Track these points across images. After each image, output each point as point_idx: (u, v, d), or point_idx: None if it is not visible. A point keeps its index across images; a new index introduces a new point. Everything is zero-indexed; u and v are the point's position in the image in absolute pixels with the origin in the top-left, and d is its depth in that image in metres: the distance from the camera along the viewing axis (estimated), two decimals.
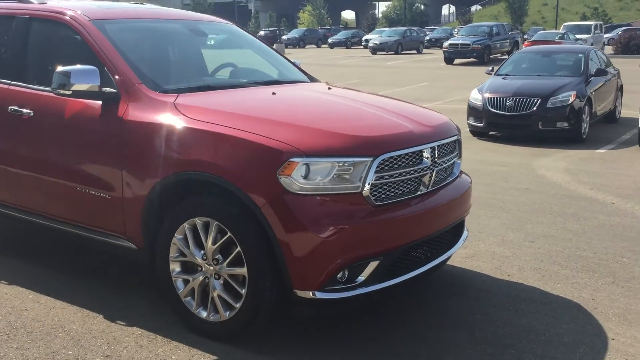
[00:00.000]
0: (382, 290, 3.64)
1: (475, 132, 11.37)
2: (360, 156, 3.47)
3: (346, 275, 3.49)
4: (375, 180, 3.51)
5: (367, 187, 3.47)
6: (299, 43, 53.79)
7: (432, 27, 61.88)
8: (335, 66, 30.94)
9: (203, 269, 3.68)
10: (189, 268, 3.77)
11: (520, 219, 6.19)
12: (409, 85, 20.59)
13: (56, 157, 4.27)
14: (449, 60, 30.43)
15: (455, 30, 39.12)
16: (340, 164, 3.42)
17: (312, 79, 5.17)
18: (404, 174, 3.68)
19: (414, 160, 3.74)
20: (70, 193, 4.20)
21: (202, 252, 3.66)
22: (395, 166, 3.63)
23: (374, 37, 41.80)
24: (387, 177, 3.58)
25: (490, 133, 11.30)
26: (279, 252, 3.38)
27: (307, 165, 3.36)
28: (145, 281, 4.36)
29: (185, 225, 3.69)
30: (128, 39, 4.37)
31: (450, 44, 30.75)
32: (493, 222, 6.06)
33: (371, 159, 3.48)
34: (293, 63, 5.37)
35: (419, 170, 3.78)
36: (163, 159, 3.72)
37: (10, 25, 4.68)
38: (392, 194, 3.63)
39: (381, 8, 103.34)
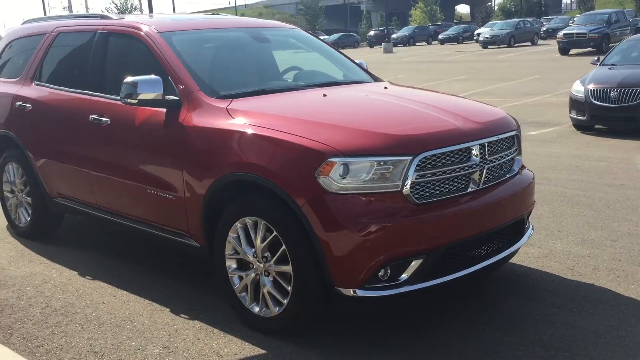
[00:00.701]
0: (430, 288, 3.63)
1: (579, 126, 10.85)
2: (399, 155, 3.48)
3: (389, 273, 3.51)
4: (416, 178, 3.51)
5: (407, 185, 3.48)
6: (409, 41, 53.40)
7: (549, 17, 59.28)
8: (442, 62, 30.49)
9: (254, 267, 3.83)
10: (243, 265, 3.93)
11: (607, 216, 5.89)
12: (518, 80, 19.91)
13: (129, 162, 4.58)
14: (563, 51, 29.07)
15: (574, 19, 37.25)
16: (379, 163, 3.45)
17: (376, 79, 5.21)
18: (449, 171, 3.65)
19: (460, 157, 3.70)
20: (142, 194, 4.49)
21: (253, 250, 3.81)
22: (439, 164, 3.60)
23: (485, 31, 40.66)
24: (429, 175, 3.57)
25: (596, 127, 10.73)
26: (320, 250, 3.47)
27: (345, 164, 3.42)
28: (210, 276, 4.57)
29: (238, 224, 3.85)
30: (192, 48, 4.61)
31: (564, 34, 29.35)
32: (576, 220, 5.82)
33: (411, 157, 3.49)
34: (358, 64, 5.44)
35: (466, 168, 3.73)
36: (216, 161, 3.91)
37: (92, 40, 5.07)
38: (436, 192, 3.61)
39: (498, 0, 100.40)
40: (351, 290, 3.47)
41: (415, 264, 3.54)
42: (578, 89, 10.84)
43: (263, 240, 3.73)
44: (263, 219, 3.70)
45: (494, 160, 3.92)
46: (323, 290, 3.56)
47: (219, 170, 3.88)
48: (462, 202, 3.72)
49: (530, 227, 4.46)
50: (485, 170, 3.84)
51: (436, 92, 4.96)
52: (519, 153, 4.26)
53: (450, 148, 3.65)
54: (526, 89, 17.19)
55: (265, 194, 3.68)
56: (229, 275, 3.98)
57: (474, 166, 3.77)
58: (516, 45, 38.53)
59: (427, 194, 3.58)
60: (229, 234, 3.91)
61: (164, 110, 4.26)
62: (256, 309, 3.86)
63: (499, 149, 3.98)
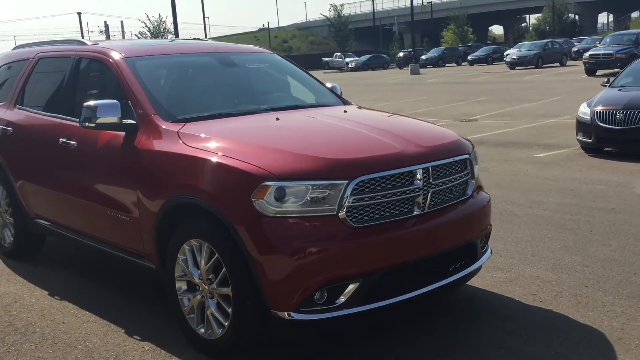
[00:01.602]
0: (369, 312, 3.62)
1: (587, 149, 10.68)
2: (334, 179, 3.50)
3: (325, 297, 3.52)
4: (352, 202, 3.52)
5: (343, 209, 3.49)
6: (438, 62, 53.38)
7: (581, 37, 58.65)
8: (466, 83, 30.36)
9: (200, 288, 3.88)
10: (191, 287, 3.97)
11: (587, 240, 5.80)
12: (539, 101, 19.73)
13: (92, 184, 4.69)
14: (590, 72, 28.69)
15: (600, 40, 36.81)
16: (314, 187, 3.47)
17: (345, 102, 5.26)
18: (389, 195, 3.65)
19: (401, 181, 3.70)
20: (104, 215, 4.58)
21: (199, 272, 3.86)
22: (378, 188, 3.61)
23: (512, 52, 40.42)
24: (367, 199, 3.58)
25: (605, 149, 10.53)
26: (255, 273, 3.50)
27: (281, 188, 3.45)
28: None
29: (185, 246, 3.91)
30: (155, 73, 4.73)
31: (591, 55, 29.00)
32: (554, 245, 5.73)
33: (346, 181, 3.51)
34: (329, 88, 5.49)
35: (408, 192, 3.73)
36: (165, 183, 3.98)
37: (66, 65, 5.22)
38: (375, 216, 3.62)
39: (532, 21, 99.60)
40: (286, 314, 3.48)
41: (352, 287, 3.54)
42: (584, 110, 10.70)
43: (207, 263, 3.78)
44: (206, 242, 3.75)
45: (440, 184, 3.90)
46: (261, 313, 3.58)
47: (167, 192, 3.95)
48: (403, 225, 3.72)
49: (488, 250, 4.43)
50: (430, 194, 3.83)
51: (397, 115, 4.97)
52: (472, 177, 4.22)
53: (389, 172, 3.66)
54: (545, 110, 17.03)
55: (208, 216, 3.73)
56: (179, 296, 4.03)
57: (417, 190, 3.76)
58: (544, 66, 38.21)
59: (365, 218, 3.59)
60: (178, 255, 3.97)
61: (124, 134, 4.35)
62: (202, 331, 3.90)
63: (446, 173, 3.97)
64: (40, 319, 4.56)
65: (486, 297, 4.65)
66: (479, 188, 4.41)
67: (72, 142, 4.82)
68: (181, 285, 4.01)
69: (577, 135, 10.80)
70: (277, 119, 4.40)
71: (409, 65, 46.31)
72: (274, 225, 3.46)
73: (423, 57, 54.33)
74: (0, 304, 4.89)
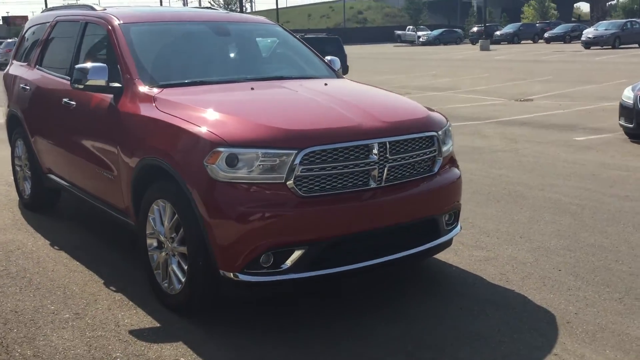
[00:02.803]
0: (315, 278, 3.76)
1: (631, 134, 10.32)
2: (284, 148, 3.63)
3: (271, 260, 3.67)
4: (301, 172, 3.64)
5: (291, 178, 3.62)
6: (513, 39, 51.89)
7: None
8: (534, 62, 29.52)
9: (165, 246, 4.10)
10: (160, 244, 4.20)
11: (583, 226, 5.72)
12: (603, 83, 19.06)
13: (86, 143, 4.97)
14: None
15: None
16: (265, 155, 3.61)
17: (338, 76, 5.36)
18: (341, 167, 3.75)
19: (355, 154, 3.79)
20: (96, 174, 4.87)
21: (164, 230, 4.08)
22: (329, 159, 3.71)
23: (589, 31, 38.88)
24: (317, 169, 3.69)
25: None
26: (205, 234, 3.69)
27: (233, 155, 3.61)
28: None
29: (154, 205, 4.13)
30: (147, 40, 4.93)
31: None
32: (547, 228, 5.69)
33: (295, 151, 3.63)
34: (328, 61, 5.56)
35: (362, 165, 3.81)
36: (138, 145, 4.21)
37: (76, 29, 5.51)
38: (326, 186, 3.72)
39: None
40: (232, 274, 3.66)
41: (297, 253, 3.68)
42: (628, 94, 10.32)
43: (169, 222, 3.99)
44: (169, 202, 3.96)
45: (398, 159, 3.96)
46: (211, 272, 3.77)
47: (139, 153, 4.18)
48: (355, 197, 3.81)
49: (457, 227, 4.46)
50: (386, 169, 3.90)
51: (377, 89, 5.01)
52: (439, 154, 4.24)
53: (341, 145, 3.75)
54: (606, 93, 16.47)
55: (170, 178, 3.93)
56: (149, 253, 4.27)
57: (372, 164, 3.84)
58: (622, 46, 36.61)
59: (316, 187, 3.70)
60: (149, 214, 4.20)
61: (111, 96, 4.60)
62: (165, 285, 4.13)
63: (406, 149, 4.02)
64: (34, 266, 4.92)
65: (454, 274, 4.70)
66: (451, 164, 4.44)
67: (72, 103, 5.12)
68: (152, 242, 4.25)
69: (619, 120, 10.45)
70: (252, 88, 4.54)
71: (479, 41, 45.25)
72: (224, 189, 3.63)
73: (497, 32, 52.89)
74: (4, 249, 5.28)
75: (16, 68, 6.60)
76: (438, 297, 4.28)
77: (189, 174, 3.74)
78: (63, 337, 3.75)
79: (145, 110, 4.22)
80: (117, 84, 4.55)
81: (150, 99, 4.29)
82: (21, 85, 6.20)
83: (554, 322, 3.88)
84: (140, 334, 3.79)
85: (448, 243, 4.48)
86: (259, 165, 3.61)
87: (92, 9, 5.52)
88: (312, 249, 3.69)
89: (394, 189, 3.97)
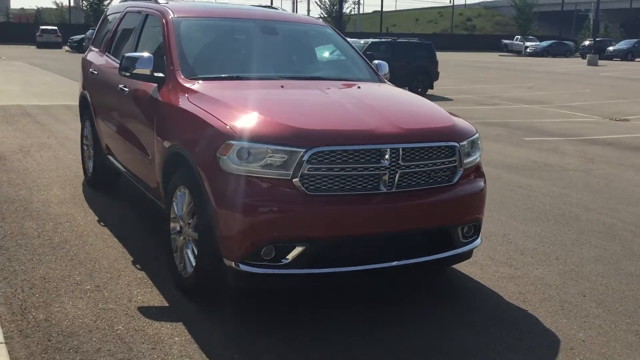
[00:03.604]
0: (315, 277, 3.83)
1: None
2: (293, 146, 3.72)
3: (273, 254, 3.77)
4: (308, 170, 3.71)
5: (298, 175, 3.70)
6: (626, 55, 49.47)
7: None
8: (622, 79, 28.02)
9: (183, 231, 4.29)
10: (180, 229, 4.40)
11: (628, 254, 5.45)
12: None
13: (132, 127, 5.26)
14: None
15: None
16: (273, 151, 3.72)
17: (380, 80, 5.38)
18: (350, 169, 3.79)
19: (365, 157, 3.82)
20: (139, 157, 5.14)
21: (183, 215, 4.27)
22: (338, 160, 3.77)
23: None
24: (324, 169, 3.75)
25: None
26: (213, 222, 3.83)
27: (244, 148, 3.73)
28: None
29: (177, 191, 4.33)
30: (194, 34, 5.16)
31: None
32: (589, 253, 5.46)
33: (304, 150, 3.70)
34: (374, 65, 5.58)
35: (372, 169, 3.84)
36: (169, 132, 4.43)
37: (139, 20, 5.82)
38: (334, 187, 3.78)
39: None
40: (233, 263, 3.79)
41: (299, 249, 3.75)
42: None
43: (187, 208, 4.17)
44: (187, 189, 4.14)
45: (412, 167, 3.95)
46: (217, 260, 3.91)
47: (168, 141, 4.39)
48: (362, 200, 3.84)
49: (477, 240, 4.39)
50: (398, 175, 3.90)
51: (408, 96, 5.00)
52: (460, 165, 4.19)
53: (351, 147, 3.79)
54: None
55: (189, 166, 4.10)
56: (171, 236, 4.47)
57: (382, 169, 3.86)
58: None
59: (322, 187, 3.76)
60: (173, 199, 4.40)
61: (155, 85, 4.84)
62: (180, 268, 4.31)
63: (422, 157, 4.00)
64: (76, 238, 5.25)
65: (471, 288, 4.63)
66: (476, 176, 4.38)
67: (126, 89, 5.42)
68: (175, 226, 4.44)
69: None
70: (282, 87, 4.65)
71: (587, 55, 43.40)
72: (232, 181, 3.76)
73: (610, 48, 50.58)
74: (55, 221, 5.66)
75: (91, 54, 7.04)
76: (445, 309, 4.23)
77: (203, 164, 3.90)
78: (77, 306, 4.01)
79: (178, 100, 4.43)
80: (160, 74, 4.79)
81: (184, 90, 4.49)
82: (90, 69, 6.61)
83: (556, 347, 3.76)
84: (146, 311, 3.98)
85: (466, 255, 4.42)
86: (268, 160, 3.71)
87: (156, 1, 5.81)
88: (312, 247, 3.76)
89: (406, 196, 3.97)
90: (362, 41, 20.76)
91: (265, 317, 4.00)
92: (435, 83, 21.08)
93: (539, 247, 5.57)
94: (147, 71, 4.77)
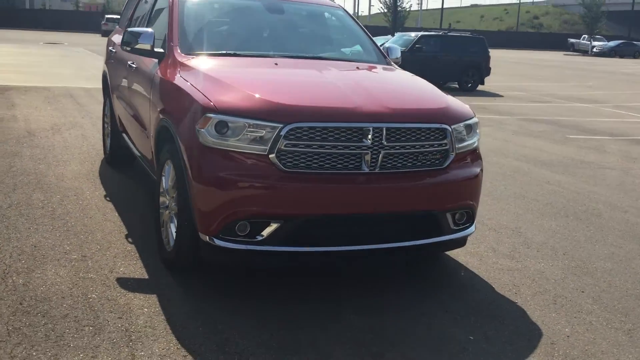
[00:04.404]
0: (291, 255, 3.76)
1: None
2: (270, 121, 3.64)
3: (248, 230, 3.71)
4: (285, 146, 3.63)
5: (274, 151, 3.63)
6: None
7: None
8: None
9: (168, 205, 4.28)
10: (168, 203, 4.39)
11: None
12: None
13: (136, 102, 5.30)
14: None
15: None
16: (251, 125, 3.65)
17: (387, 63, 5.24)
18: (329, 147, 3.69)
19: (346, 136, 3.71)
20: (139, 132, 5.17)
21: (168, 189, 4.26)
22: (317, 137, 3.67)
23: None
24: (303, 145, 3.66)
25: None
26: (189, 195, 3.80)
27: (221, 121, 3.68)
28: None
29: (165, 165, 4.32)
30: (200, 11, 5.16)
31: None
32: (603, 250, 5.21)
33: (281, 125, 3.62)
34: (382, 49, 5.44)
35: (352, 148, 3.73)
36: (161, 105, 4.42)
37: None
38: (314, 164, 3.68)
39: None
40: (207, 237, 3.75)
41: (273, 226, 3.68)
42: None
43: (172, 181, 4.16)
44: (172, 162, 4.12)
45: (397, 147, 3.82)
46: (193, 234, 3.87)
47: (160, 113, 4.39)
48: (342, 180, 3.73)
49: (470, 228, 4.23)
50: (381, 155, 3.78)
51: (412, 77, 4.83)
52: (452, 149, 4.03)
53: (331, 124, 3.68)
54: None
55: (173, 139, 4.08)
56: (160, 209, 4.46)
57: (364, 148, 3.74)
58: None
59: (301, 164, 3.67)
60: (162, 173, 4.39)
61: (156, 60, 4.85)
62: (165, 242, 4.31)
63: (409, 137, 3.86)
64: (77, 211, 5.32)
65: (463, 278, 4.46)
66: (471, 161, 4.21)
67: (134, 66, 5.45)
68: (164, 200, 4.43)
69: None
70: (276, 64, 4.58)
71: None
72: (209, 154, 3.71)
73: None
74: (62, 194, 5.76)
75: (116, 34, 7.13)
76: (429, 296, 4.09)
77: (183, 137, 3.87)
78: (58, 274, 4.04)
79: (171, 75, 4.42)
80: (161, 50, 4.79)
81: (179, 65, 4.48)
82: (109, 47, 6.69)
83: (536, 341, 3.58)
84: (124, 283, 3.99)
85: (457, 242, 4.27)
86: (246, 134, 3.65)
87: None
88: (287, 224, 3.68)
89: (390, 177, 3.84)
90: (412, 34, 20.47)
91: (239, 295, 3.95)
92: (487, 79, 20.63)
93: (548, 241, 5.34)
94: (147, 46, 4.78)
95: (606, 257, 5.03)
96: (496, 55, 49.07)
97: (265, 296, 3.95)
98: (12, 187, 5.86)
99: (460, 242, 4.32)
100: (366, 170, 3.77)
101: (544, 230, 5.64)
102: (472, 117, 4.27)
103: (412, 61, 18.95)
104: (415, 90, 4.45)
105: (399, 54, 5.58)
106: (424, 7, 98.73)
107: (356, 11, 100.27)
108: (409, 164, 3.91)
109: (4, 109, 10.41)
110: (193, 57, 4.56)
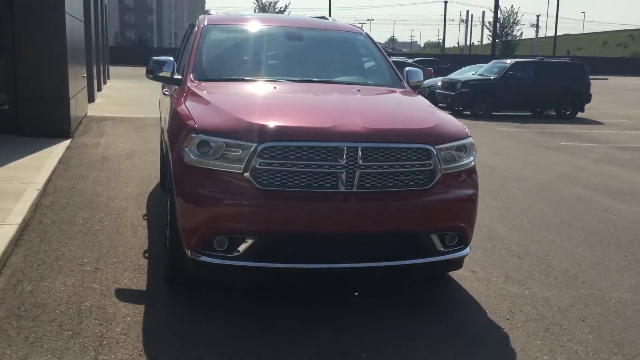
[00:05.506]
0: (266, 270, 3.86)
1: None
2: (244, 140, 3.80)
3: (226, 245, 3.86)
4: (259, 165, 3.77)
5: (249, 169, 3.78)
6: None
7: None
8: None
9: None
10: None
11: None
12: None
13: (163, 128, 5.63)
14: None
15: None
16: (228, 145, 3.83)
17: (400, 87, 5.25)
18: (303, 165, 3.78)
19: (320, 155, 3.79)
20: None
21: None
22: (291, 156, 3.78)
23: None
24: (277, 164, 3.78)
25: None
26: (176, 212, 4.01)
27: (204, 141, 3.88)
28: None
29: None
30: (219, 40, 5.43)
31: None
32: (629, 280, 4.91)
33: (255, 144, 3.77)
34: (399, 74, 5.45)
35: (327, 167, 3.80)
36: (166, 127, 4.71)
37: (190, 30, 6.21)
38: (289, 182, 3.79)
39: None
40: (189, 252, 3.93)
41: (249, 242, 3.81)
42: None
43: (170, 199, 4.39)
44: (170, 181, 4.37)
45: (374, 167, 3.85)
46: (181, 249, 4.07)
47: (164, 136, 4.67)
48: (317, 198, 3.81)
49: (465, 250, 4.15)
50: (357, 175, 3.82)
51: (414, 100, 4.81)
52: (439, 169, 3.99)
53: (304, 143, 3.78)
54: None
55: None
56: (169, 225, 4.71)
57: (339, 167, 3.80)
58: None
59: (276, 182, 3.79)
60: (168, 192, 4.65)
61: (176, 87, 5.17)
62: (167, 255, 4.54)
63: (388, 157, 3.87)
64: (111, 227, 5.68)
65: (458, 301, 4.38)
66: (464, 181, 4.15)
67: (167, 93, 5.81)
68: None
69: None
70: (274, 87, 4.75)
71: None
72: (191, 172, 3.92)
73: None
74: (105, 213, 6.16)
75: None
76: (412, 317, 4.04)
77: (174, 157, 4.11)
78: (65, 283, 4.37)
79: (178, 99, 4.69)
80: (179, 77, 5.09)
81: (187, 90, 4.74)
82: None
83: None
84: (121, 293, 4.25)
85: (450, 264, 4.20)
86: (225, 153, 3.83)
87: (207, 13, 6.17)
88: (261, 240, 3.79)
89: (368, 196, 3.87)
90: (508, 61, 20.03)
91: (221, 309, 4.08)
92: (591, 106, 19.80)
93: (572, 270, 5.09)
94: (167, 74, 5.09)
95: (629, 288, 4.74)
96: (614, 82, 47.04)
97: (251, 321, 4.03)
98: (64, 205, 6.36)
99: (455, 264, 4.24)
100: (342, 189, 3.82)
101: (574, 258, 5.38)
102: (465, 138, 4.21)
103: (504, 89, 18.60)
104: (406, 110, 4.45)
105: (420, 78, 5.57)
106: (541, 35, 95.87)
107: (467, 42, 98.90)
108: (390, 184, 3.91)
109: (92, 136, 11.24)
110: (202, 83, 4.82)
